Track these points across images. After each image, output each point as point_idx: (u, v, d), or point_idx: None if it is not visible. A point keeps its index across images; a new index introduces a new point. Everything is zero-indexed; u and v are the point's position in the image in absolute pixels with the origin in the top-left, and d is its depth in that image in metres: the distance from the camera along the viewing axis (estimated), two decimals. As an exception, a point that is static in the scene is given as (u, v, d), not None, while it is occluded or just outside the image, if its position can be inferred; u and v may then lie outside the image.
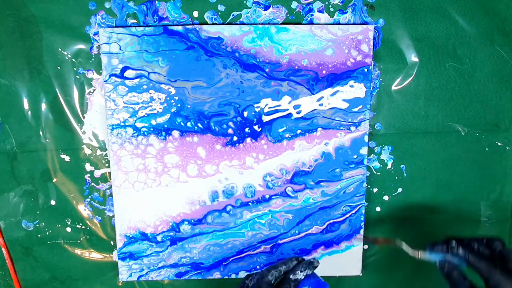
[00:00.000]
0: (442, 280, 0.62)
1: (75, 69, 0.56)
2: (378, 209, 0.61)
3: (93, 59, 0.56)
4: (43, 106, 0.57)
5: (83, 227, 0.61)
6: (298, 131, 0.57)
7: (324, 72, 0.55)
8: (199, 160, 0.57)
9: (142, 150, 0.57)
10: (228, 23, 0.55)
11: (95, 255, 0.62)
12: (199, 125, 0.56)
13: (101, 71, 0.55)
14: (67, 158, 0.58)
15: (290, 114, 0.56)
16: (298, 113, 0.56)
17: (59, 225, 0.61)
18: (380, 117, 0.58)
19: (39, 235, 0.61)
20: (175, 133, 0.57)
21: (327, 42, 0.54)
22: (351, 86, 0.56)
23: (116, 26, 0.54)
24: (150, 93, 0.55)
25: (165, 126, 0.56)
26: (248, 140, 0.57)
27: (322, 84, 0.56)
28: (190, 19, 0.55)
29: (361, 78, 0.55)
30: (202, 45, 0.54)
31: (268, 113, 0.56)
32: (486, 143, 0.59)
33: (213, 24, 0.55)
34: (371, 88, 0.57)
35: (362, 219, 0.59)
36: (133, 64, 0.54)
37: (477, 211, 0.62)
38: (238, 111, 0.56)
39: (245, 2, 0.54)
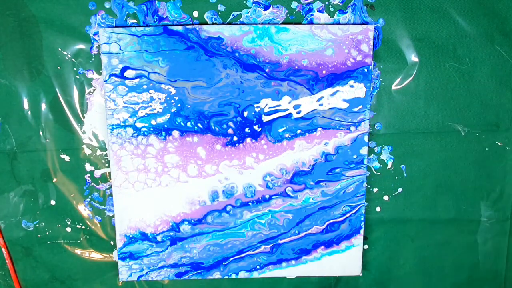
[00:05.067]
0: (443, 281, 0.62)
1: (75, 69, 0.56)
2: (378, 209, 0.61)
3: (93, 59, 0.56)
4: (43, 106, 0.57)
5: (83, 227, 0.61)
6: (298, 131, 0.57)
7: (324, 72, 0.55)
8: (199, 160, 0.57)
9: (142, 150, 0.57)
10: (228, 23, 0.55)
11: (95, 255, 0.62)
12: (199, 125, 0.56)
13: (101, 71, 0.56)
14: (67, 158, 0.58)
15: (290, 114, 0.56)
16: (298, 113, 0.56)
17: (59, 225, 0.61)
18: (380, 117, 0.58)
19: (39, 235, 0.61)
20: (175, 133, 0.57)
21: (327, 42, 0.54)
22: (351, 86, 0.56)
23: (116, 26, 0.54)
24: (150, 93, 0.55)
25: (165, 126, 0.56)
26: (248, 140, 0.57)
27: (322, 84, 0.56)
28: (190, 19, 0.55)
29: (361, 78, 0.55)
30: (202, 45, 0.54)
31: (268, 113, 0.56)
32: (486, 143, 0.59)
33: (213, 24, 0.55)
34: (371, 88, 0.57)
35: (362, 219, 0.59)
36: (133, 64, 0.54)
37: (477, 211, 0.62)
38: (238, 111, 0.56)
39: (245, 2, 0.54)
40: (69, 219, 0.60)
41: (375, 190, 0.60)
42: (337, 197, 0.59)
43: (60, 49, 0.55)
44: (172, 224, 0.59)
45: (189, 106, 0.56)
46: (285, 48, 0.55)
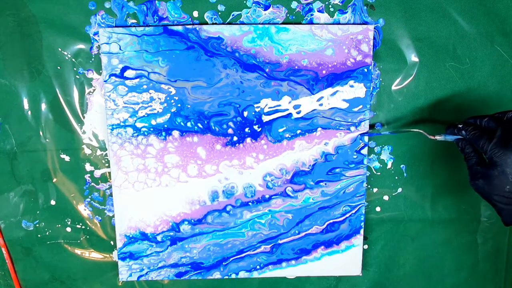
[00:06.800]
0: (443, 281, 0.62)
1: (75, 69, 0.56)
2: (378, 209, 0.61)
3: (93, 59, 0.56)
4: (43, 106, 0.57)
5: (83, 227, 0.61)
6: (298, 131, 0.57)
7: (324, 72, 0.55)
8: (199, 160, 0.57)
9: (142, 150, 0.57)
10: (228, 23, 0.55)
11: (95, 255, 0.62)
12: (199, 125, 0.56)
13: (101, 71, 0.56)
14: (67, 158, 0.58)
15: (290, 114, 0.56)
16: (298, 113, 0.56)
17: (59, 225, 0.61)
18: (380, 117, 0.58)
19: (39, 235, 0.61)
20: (175, 133, 0.57)
21: (327, 42, 0.54)
22: (351, 86, 0.56)
23: (116, 26, 0.54)
24: (150, 93, 0.55)
25: (165, 126, 0.56)
26: (248, 140, 0.57)
27: (322, 84, 0.56)
28: (190, 19, 0.55)
29: (361, 78, 0.55)
30: (202, 45, 0.54)
31: (268, 113, 0.56)
32: (486, 143, 0.59)
33: (213, 24, 0.55)
34: (371, 88, 0.57)
35: (362, 219, 0.59)
36: (133, 64, 0.54)
37: (477, 211, 0.62)
38: (238, 111, 0.56)
39: (245, 2, 0.54)
40: (69, 219, 0.60)
41: (375, 190, 0.60)
42: (337, 197, 0.59)
43: (60, 49, 0.55)
44: (172, 224, 0.59)
45: (189, 106, 0.56)
46: (285, 48, 0.55)
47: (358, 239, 0.60)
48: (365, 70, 0.55)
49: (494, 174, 0.45)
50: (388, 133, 0.57)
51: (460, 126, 0.49)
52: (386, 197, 0.61)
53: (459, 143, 0.50)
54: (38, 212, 0.60)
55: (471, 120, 0.50)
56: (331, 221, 0.59)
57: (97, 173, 0.59)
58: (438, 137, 0.52)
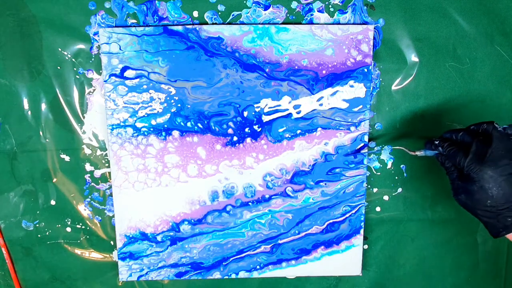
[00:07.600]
0: (443, 281, 0.62)
1: (75, 69, 0.56)
2: (378, 209, 0.61)
3: (93, 59, 0.56)
4: (43, 106, 0.57)
5: (83, 227, 0.61)
6: (298, 131, 0.57)
7: (324, 72, 0.55)
8: (199, 160, 0.57)
9: (142, 150, 0.57)
10: (228, 23, 0.55)
11: (95, 255, 0.62)
12: (199, 125, 0.56)
13: (101, 71, 0.56)
14: (67, 158, 0.58)
15: (290, 114, 0.56)
16: (298, 113, 0.56)
17: (59, 225, 0.61)
18: (380, 117, 0.58)
19: (39, 235, 0.61)
20: (175, 133, 0.57)
21: (327, 42, 0.54)
22: (351, 86, 0.56)
23: (116, 26, 0.54)
24: (150, 93, 0.55)
25: (165, 126, 0.56)
26: (248, 140, 0.57)
27: (322, 84, 0.56)
28: (190, 19, 0.55)
29: (361, 78, 0.55)
30: (202, 45, 0.54)
31: (268, 113, 0.56)
32: (486, 143, 0.59)
33: (213, 24, 0.55)
34: (371, 88, 0.57)
35: (362, 219, 0.59)
36: (133, 64, 0.54)
37: (477, 211, 0.62)
38: (238, 111, 0.56)
39: (245, 2, 0.54)
40: (69, 219, 0.60)
41: (375, 190, 0.60)
42: (337, 197, 0.59)
43: (60, 49, 0.55)
44: (172, 224, 0.59)
45: (189, 106, 0.56)
46: (285, 48, 0.55)
47: (358, 239, 0.60)
48: (365, 70, 0.55)
49: (474, 190, 0.45)
50: (376, 150, 0.58)
51: (437, 142, 0.49)
52: (386, 197, 0.61)
53: (438, 158, 0.50)
54: (38, 212, 0.60)
55: (447, 135, 0.50)
56: (331, 221, 0.59)
57: (97, 173, 0.59)
58: (418, 153, 0.51)
